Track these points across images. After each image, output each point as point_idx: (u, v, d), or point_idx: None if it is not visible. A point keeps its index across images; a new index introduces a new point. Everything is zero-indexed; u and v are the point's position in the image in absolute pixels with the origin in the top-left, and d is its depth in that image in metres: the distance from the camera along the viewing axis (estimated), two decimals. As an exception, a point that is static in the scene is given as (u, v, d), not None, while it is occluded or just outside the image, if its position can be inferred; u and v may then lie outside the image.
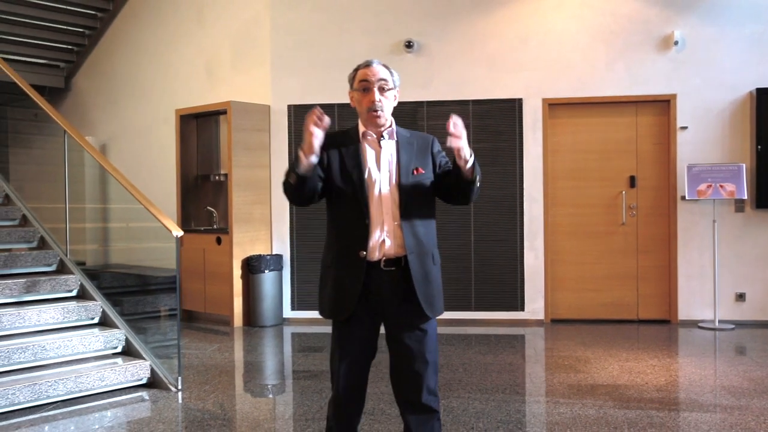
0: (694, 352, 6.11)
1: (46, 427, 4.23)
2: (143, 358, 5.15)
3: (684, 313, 7.32)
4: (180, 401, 4.77)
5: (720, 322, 7.12)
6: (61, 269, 5.84)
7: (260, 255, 7.46)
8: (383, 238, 2.80)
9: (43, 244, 6.04)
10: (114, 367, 4.94)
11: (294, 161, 2.74)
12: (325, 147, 2.81)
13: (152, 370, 5.10)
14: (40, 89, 10.13)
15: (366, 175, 2.83)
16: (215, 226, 7.95)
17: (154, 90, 9.10)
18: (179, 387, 4.99)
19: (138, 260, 7.97)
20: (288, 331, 7.33)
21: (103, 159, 5.72)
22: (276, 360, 6.23)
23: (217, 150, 8.03)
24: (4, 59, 9.56)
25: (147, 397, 4.86)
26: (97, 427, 4.25)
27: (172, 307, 5.45)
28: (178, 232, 5.07)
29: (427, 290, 2.83)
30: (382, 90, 2.85)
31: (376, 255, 2.79)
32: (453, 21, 7.56)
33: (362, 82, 2.86)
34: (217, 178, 8.03)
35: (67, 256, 5.89)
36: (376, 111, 2.82)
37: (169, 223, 5.11)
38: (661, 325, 7.23)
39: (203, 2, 8.49)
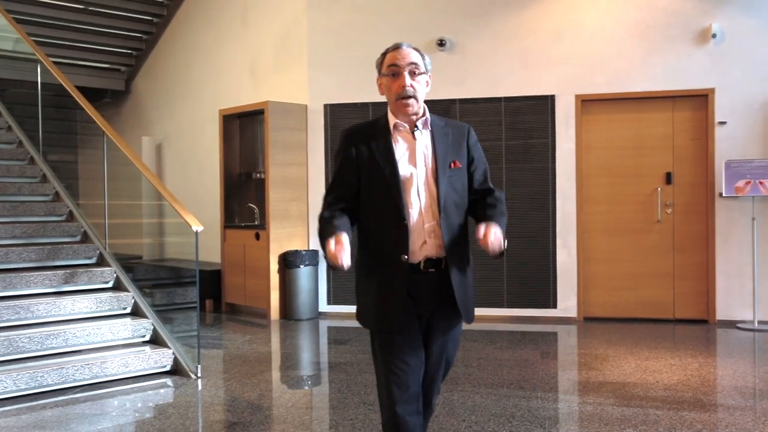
0: (722, 352, 5.98)
1: (71, 408, 4.54)
2: (168, 347, 5.44)
3: (722, 312, 7.13)
4: (198, 388, 5.01)
5: (760, 323, 6.90)
6: (101, 262, 6.20)
7: (296, 250, 7.69)
8: (424, 240, 2.59)
9: (85, 239, 6.42)
10: (138, 355, 5.24)
11: (322, 239, 2.55)
12: (353, 142, 2.65)
13: (176, 359, 5.38)
14: (102, 92, 10.73)
15: (401, 172, 2.58)
16: (257, 222, 8.23)
17: (203, 91, 9.47)
18: (199, 374, 5.25)
19: (177, 254, 8.34)
20: (324, 324, 7.52)
21: (136, 158, 6.04)
22: (300, 352, 6.44)
23: (260, 149, 8.31)
24: (70, 64, 10.18)
25: (169, 384, 5.14)
26: (112, 409, 4.53)
27: (192, 300, 5.70)
28: (198, 227, 5.31)
29: (465, 295, 2.65)
30: (412, 74, 2.59)
31: (417, 257, 2.58)
32: (485, 18, 7.59)
33: (391, 67, 2.61)
34: (258, 175, 8.31)
35: (106, 249, 6.25)
36: (407, 98, 2.57)
37: (190, 218, 5.36)
38: (698, 325, 7.07)
39: (247, 5, 8.79)
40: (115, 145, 6.19)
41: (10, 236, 6.05)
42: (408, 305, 2.60)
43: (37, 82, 7.54)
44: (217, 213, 8.44)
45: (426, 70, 2.64)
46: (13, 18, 8.94)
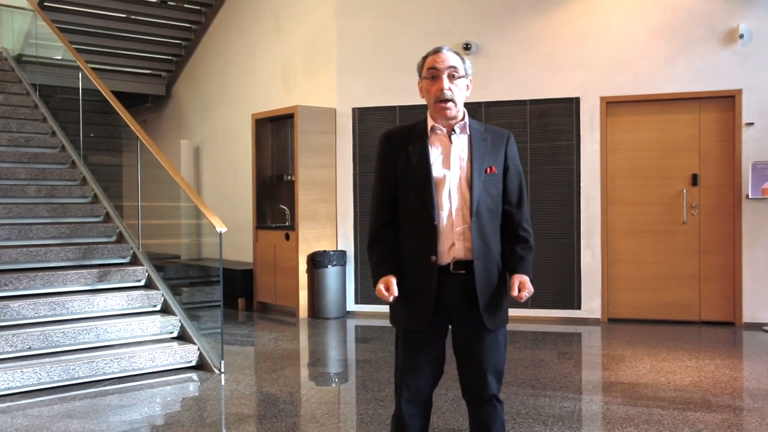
0: (742, 354, 5.96)
1: (100, 400, 4.80)
2: (194, 343, 5.67)
3: (749, 315, 7.07)
4: (222, 383, 5.23)
5: (787, 325, 6.85)
6: (134, 261, 6.49)
7: (325, 251, 7.89)
8: (453, 242, 2.64)
9: (120, 239, 6.72)
10: (165, 350, 5.49)
11: (374, 279, 2.74)
12: (392, 144, 2.74)
13: (201, 354, 5.61)
14: (144, 97, 11.12)
15: (434, 174, 2.65)
16: (288, 223, 8.45)
17: (239, 95, 9.75)
18: (222, 370, 5.47)
19: (212, 254, 8.61)
20: (351, 323, 7.69)
21: (167, 162, 6.30)
22: (322, 349, 6.61)
23: (290, 152, 8.52)
24: (115, 71, 10.58)
25: (194, 378, 5.37)
26: (138, 401, 4.77)
27: (214, 299, 5.93)
28: (222, 228, 5.54)
29: (490, 300, 2.67)
30: (451, 78, 2.64)
31: (445, 259, 2.65)
32: (511, 22, 7.66)
33: (430, 70, 2.66)
34: (289, 178, 8.53)
35: (139, 249, 6.54)
36: (445, 101, 2.62)
37: (215, 219, 5.58)
38: (724, 327, 7.03)
39: (280, 12, 9.03)
40: (151, 149, 6.46)
41: (51, 236, 6.37)
42: (437, 306, 2.65)
43: (78, 89, 7.89)
44: (249, 214, 8.70)
45: (466, 73, 2.69)
46: (62, 28, 9.38)
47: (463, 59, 2.70)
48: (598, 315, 7.42)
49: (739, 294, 7.09)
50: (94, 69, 10.15)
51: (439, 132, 2.70)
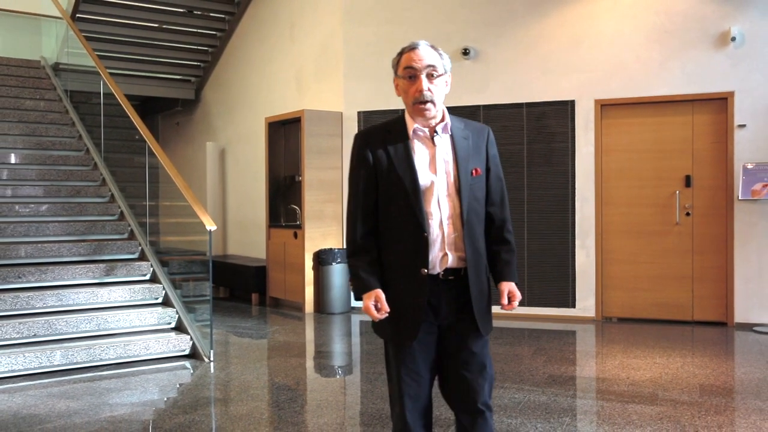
0: (719, 353, 6.05)
1: (95, 383, 5.24)
2: (189, 333, 6.09)
3: (741, 316, 7.12)
4: (211, 370, 5.63)
5: (777, 326, 6.88)
6: (142, 257, 6.95)
7: (330, 249, 8.24)
8: (444, 252, 2.49)
9: (132, 236, 7.19)
10: (160, 339, 5.92)
11: (357, 291, 2.56)
12: (370, 147, 2.55)
13: (194, 344, 6.03)
14: (174, 101, 11.67)
15: (421, 181, 2.48)
16: (298, 222, 8.83)
17: (258, 99, 10.18)
18: (211, 358, 5.87)
19: (237, 251, 9.00)
20: (356, 318, 8.01)
21: (168, 164, 6.72)
22: (315, 342, 6.95)
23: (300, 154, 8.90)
24: (147, 77, 11.16)
25: (187, 366, 5.78)
26: (128, 385, 5.20)
27: (206, 294, 6.32)
28: (212, 227, 5.93)
29: (482, 307, 2.56)
30: (430, 77, 2.47)
31: (436, 269, 2.50)
32: (508, 27, 7.87)
33: (407, 69, 2.49)
34: (299, 178, 8.91)
35: (147, 246, 7.00)
36: (425, 102, 2.46)
37: (206, 219, 5.98)
38: (716, 328, 7.10)
39: (294, 20, 9.42)
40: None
41: (66, 233, 6.88)
42: (427, 314, 2.52)
43: (104, 94, 8.41)
44: (263, 213, 9.12)
45: (445, 71, 2.53)
46: (97, 37, 9.95)
47: (441, 54, 2.53)
48: (592, 314, 7.56)
49: (731, 294, 7.15)
50: (128, 76, 10.78)
51: (421, 134, 2.54)
